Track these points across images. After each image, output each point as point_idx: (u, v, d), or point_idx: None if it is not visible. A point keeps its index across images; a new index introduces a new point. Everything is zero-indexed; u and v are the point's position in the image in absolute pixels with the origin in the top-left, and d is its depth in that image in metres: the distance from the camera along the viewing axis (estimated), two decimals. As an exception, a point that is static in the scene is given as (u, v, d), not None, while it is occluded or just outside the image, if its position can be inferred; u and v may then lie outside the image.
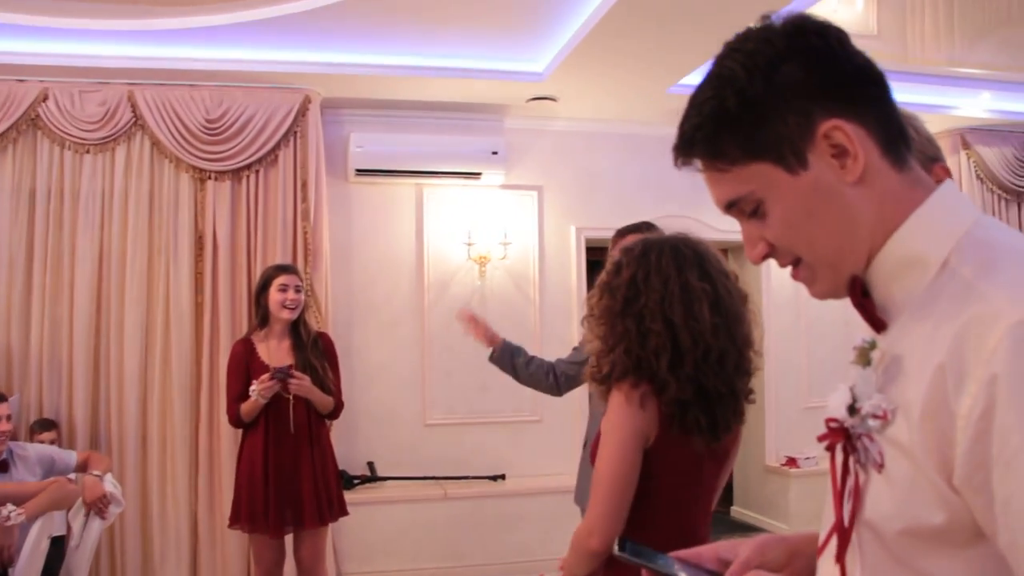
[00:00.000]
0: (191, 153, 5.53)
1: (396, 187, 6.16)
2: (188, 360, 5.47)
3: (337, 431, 4.35)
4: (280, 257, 5.42)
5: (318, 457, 4.15)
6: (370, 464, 5.95)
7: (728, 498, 7.05)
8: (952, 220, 0.98)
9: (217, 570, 5.45)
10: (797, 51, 0.99)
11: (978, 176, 6.92)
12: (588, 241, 6.44)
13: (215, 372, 5.46)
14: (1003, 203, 7.03)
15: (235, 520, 4.15)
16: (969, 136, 6.88)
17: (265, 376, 3.95)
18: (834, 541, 1.02)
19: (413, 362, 6.13)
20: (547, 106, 6.07)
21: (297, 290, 4.16)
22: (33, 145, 5.45)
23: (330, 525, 4.40)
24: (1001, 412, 0.82)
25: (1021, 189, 7.04)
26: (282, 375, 3.95)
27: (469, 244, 6.15)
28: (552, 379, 3.72)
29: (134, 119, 5.51)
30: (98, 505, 4.02)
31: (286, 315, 4.14)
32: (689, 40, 4.87)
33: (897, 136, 1.01)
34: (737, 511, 6.96)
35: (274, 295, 4.14)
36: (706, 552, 1.25)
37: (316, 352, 4.19)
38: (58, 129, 5.42)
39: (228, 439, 5.36)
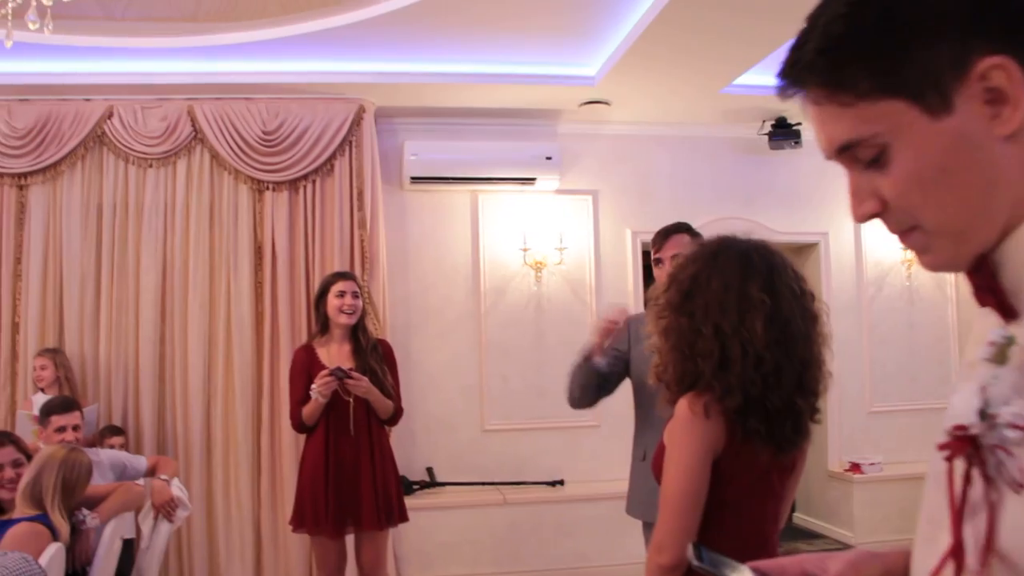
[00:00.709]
0: (249, 165, 5.63)
1: (451, 194, 6.21)
2: (250, 367, 5.58)
3: (396, 437, 4.39)
4: (338, 265, 5.49)
5: (378, 461, 4.18)
6: (429, 470, 5.99)
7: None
8: None
9: (280, 572, 5.53)
10: None
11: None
12: (644, 245, 6.41)
13: (276, 379, 5.56)
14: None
15: (298, 523, 4.20)
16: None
17: (324, 372, 4.01)
18: (949, 571, 0.84)
19: (470, 368, 6.16)
20: (600, 110, 6.06)
21: (355, 295, 4.20)
22: (100, 161, 5.63)
23: (390, 530, 4.43)
24: None
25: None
26: (341, 374, 3.99)
27: (525, 250, 6.16)
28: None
29: (194, 133, 5.65)
30: (166, 509, 4.12)
31: (344, 320, 4.18)
32: (742, 41, 4.84)
33: None
34: (800, 517, 6.85)
35: (332, 301, 4.19)
36: (790, 565, 1.13)
37: (376, 357, 4.23)
38: (123, 145, 5.58)
39: (289, 444, 5.46)
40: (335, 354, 4.19)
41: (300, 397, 4.14)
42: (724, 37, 4.81)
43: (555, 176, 6.14)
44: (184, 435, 5.52)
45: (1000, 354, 0.83)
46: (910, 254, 6.54)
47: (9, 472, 3.49)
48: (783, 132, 6.26)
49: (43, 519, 3.27)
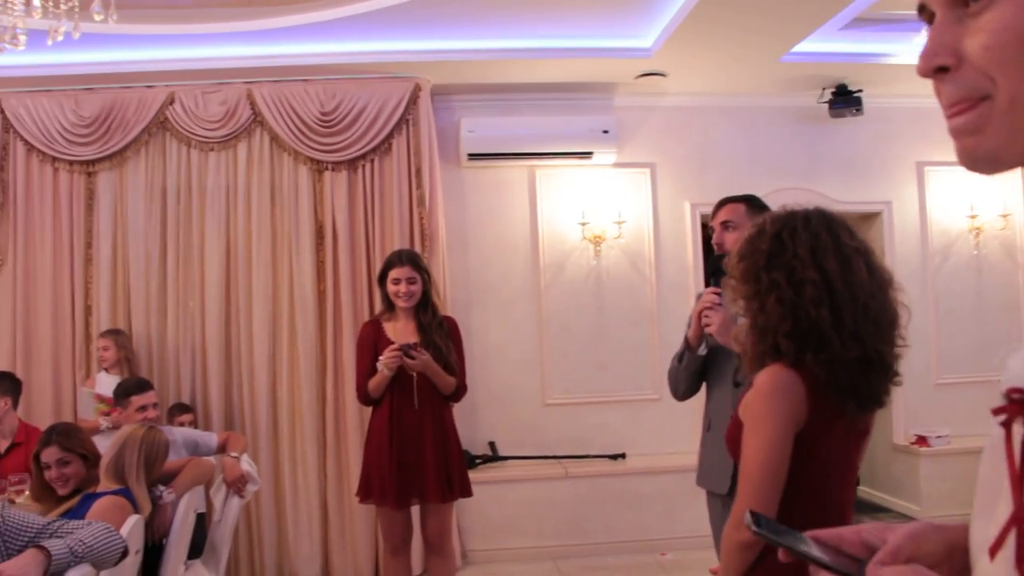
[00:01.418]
0: (308, 146, 5.70)
1: (508, 170, 6.22)
2: (313, 345, 5.67)
3: (459, 411, 4.42)
4: (398, 243, 5.54)
5: (441, 435, 4.21)
6: (491, 444, 6.04)
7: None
8: None
9: (347, 544, 5.65)
10: None
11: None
12: (703, 217, 6.35)
13: (339, 356, 5.65)
14: None
15: (365, 494, 4.27)
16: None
17: (392, 347, 4.06)
18: (1012, 540, 0.76)
19: (531, 342, 6.19)
20: (657, 82, 6.01)
21: (410, 281, 4.20)
22: (162, 146, 5.75)
23: (454, 503, 4.48)
24: None
25: None
26: (406, 349, 4.04)
27: (583, 224, 6.15)
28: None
29: (253, 116, 5.73)
30: (237, 484, 4.23)
31: (402, 304, 4.23)
32: (801, 7, 4.76)
33: None
34: (864, 491, 6.77)
35: (389, 286, 4.24)
36: (848, 534, 1.05)
37: (441, 333, 4.26)
38: (184, 130, 5.69)
39: (353, 418, 5.56)
40: (401, 329, 4.24)
41: (366, 370, 4.20)
42: (782, 3, 4.73)
43: (612, 149, 6.12)
44: (251, 412, 5.64)
45: None
46: (979, 221, 6.43)
47: (55, 471, 3.55)
48: (844, 100, 6.13)
49: (126, 493, 3.38)
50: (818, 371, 1.86)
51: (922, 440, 6.27)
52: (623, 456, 6.06)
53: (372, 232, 5.76)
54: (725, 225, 3.28)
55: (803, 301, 1.87)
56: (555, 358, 6.19)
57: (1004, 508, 0.77)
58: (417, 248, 5.56)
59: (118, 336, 5.37)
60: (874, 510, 6.56)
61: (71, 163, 5.69)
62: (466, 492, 4.33)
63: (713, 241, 3.33)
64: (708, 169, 6.37)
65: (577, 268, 6.23)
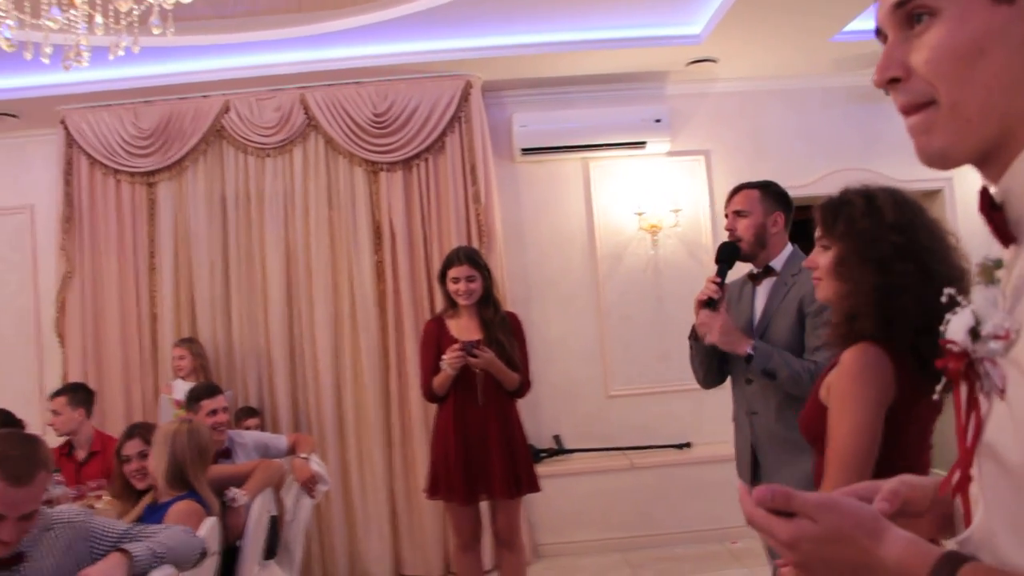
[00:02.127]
0: (362, 147, 5.75)
1: (562, 163, 6.21)
2: (376, 345, 5.72)
3: (523, 406, 4.42)
4: (455, 241, 5.56)
5: (506, 431, 4.21)
6: (556, 437, 6.05)
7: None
8: None
9: (416, 540, 5.70)
10: None
11: None
12: (759, 202, 6.29)
13: (401, 354, 5.70)
14: None
15: (432, 490, 4.30)
16: None
17: (455, 346, 4.08)
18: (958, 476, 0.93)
19: (591, 334, 6.18)
20: (707, 68, 5.96)
21: (469, 280, 4.20)
22: (220, 154, 5.85)
23: (523, 498, 4.48)
24: None
25: None
26: (469, 348, 4.06)
27: (639, 214, 6.12)
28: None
29: (307, 120, 5.79)
30: (308, 485, 4.29)
31: (462, 302, 4.25)
32: (853, -16, 4.68)
33: None
34: (937, 473, 6.64)
35: (449, 285, 4.26)
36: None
37: (504, 330, 4.26)
38: (241, 137, 5.77)
39: (418, 416, 5.61)
40: (464, 326, 4.25)
41: (430, 367, 4.22)
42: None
43: (665, 138, 6.08)
44: (317, 413, 5.71)
45: (987, 274, 0.91)
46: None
47: (135, 464, 3.66)
48: (899, 76, 6.02)
49: (193, 496, 3.43)
50: (905, 347, 1.82)
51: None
52: (688, 445, 6.02)
53: (429, 230, 5.80)
54: (738, 214, 3.22)
55: (892, 279, 1.84)
56: (616, 349, 6.17)
57: (954, 452, 0.93)
58: (475, 245, 5.58)
59: (192, 344, 5.47)
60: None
61: (132, 175, 5.81)
62: (533, 487, 4.32)
63: (726, 227, 3.29)
64: (763, 154, 6.29)
65: (635, 258, 6.20)
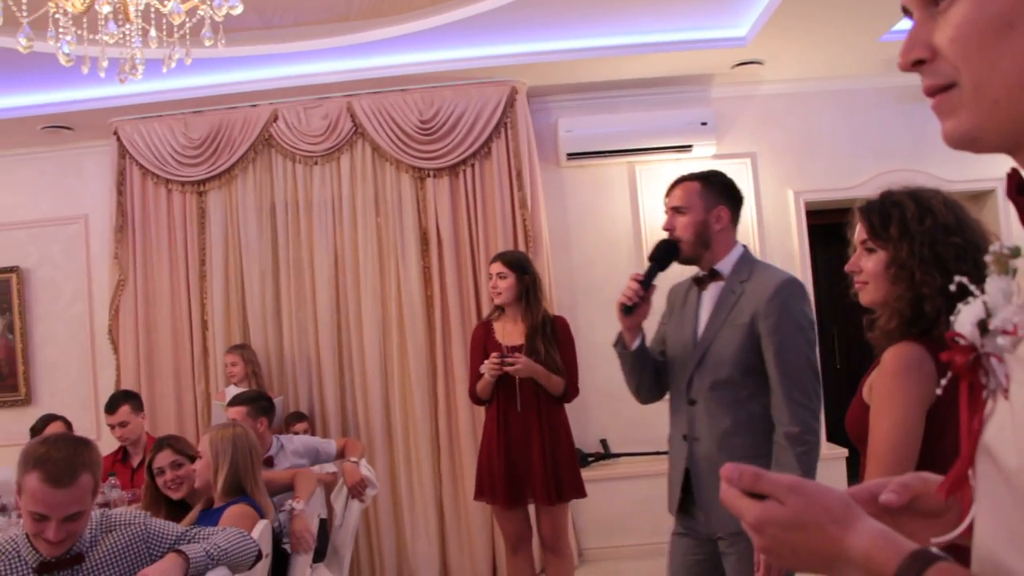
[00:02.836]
0: (409, 154, 5.79)
1: (608, 167, 6.19)
2: (423, 351, 5.76)
3: (570, 411, 4.42)
4: (502, 246, 5.58)
5: (549, 437, 4.21)
6: (603, 442, 6.03)
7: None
8: None
9: (464, 544, 5.71)
10: None
11: None
12: (808, 205, 6.23)
13: (449, 359, 5.73)
14: None
15: (479, 493, 4.33)
16: None
17: (493, 357, 4.11)
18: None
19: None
20: (753, 71, 5.92)
21: (501, 276, 4.22)
22: (269, 162, 5.93)
23: (569, 504, 4.48)
24: None
25: None
26: (502, 357, 4.08)
27: (685, 218, 6.08)
28: None
29: (354, 128, 5.85)
30: (357, 489, 4.32)
31: (495, 300, 4.27)
32: (902, -18, 4.62)
33: None
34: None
35: (489, 284, 4.30)
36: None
37: (544, 335, 4.25)
38: (289, 145, 5.84)
39: (466, 420, 5.63)
40: (509, 331, 4.27)
41: (476, 371, 4.26)
42: (880, -19, 4.62)
43: (711, 141, 6.04)
44: (365, 418, 5.76)
45: (1001, 264, 0.85)
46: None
47: (169, 475, 3.68)
48: (950, 75, 5.93)
49: (248, 500, 3.48)
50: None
51: None
52: (735, 450, 5.96)
53: (476, 236, 5.82)
54: (677, 210, 2.87)
55: (936, 276, 1.83)
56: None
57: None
58: (521, 250, 5.57)
59: (244, 351, 5.54)
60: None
61: (183, 184, 5.91)
62: (578, 493, 4.30)
63: (663, 227, 2.92)
64: (811, 155, 6.24)
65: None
